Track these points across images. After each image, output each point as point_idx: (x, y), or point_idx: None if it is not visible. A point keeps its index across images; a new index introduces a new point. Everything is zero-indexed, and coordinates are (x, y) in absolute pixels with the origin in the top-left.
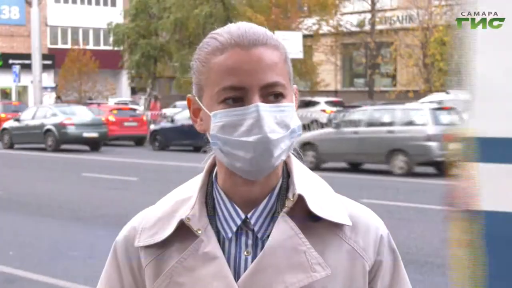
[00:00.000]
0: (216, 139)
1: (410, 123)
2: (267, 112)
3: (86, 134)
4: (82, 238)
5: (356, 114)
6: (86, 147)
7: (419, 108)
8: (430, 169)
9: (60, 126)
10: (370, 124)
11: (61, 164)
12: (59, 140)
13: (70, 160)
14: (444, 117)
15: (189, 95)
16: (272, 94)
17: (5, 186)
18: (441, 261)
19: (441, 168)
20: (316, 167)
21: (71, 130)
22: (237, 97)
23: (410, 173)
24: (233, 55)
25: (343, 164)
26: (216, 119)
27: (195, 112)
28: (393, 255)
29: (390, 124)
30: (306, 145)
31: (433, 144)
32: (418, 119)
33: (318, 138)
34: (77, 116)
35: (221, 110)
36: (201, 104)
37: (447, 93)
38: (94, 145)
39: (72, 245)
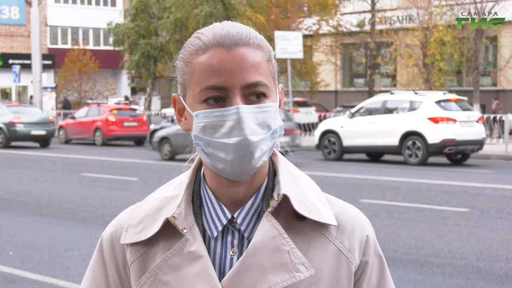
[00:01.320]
0: (199, 140)
1: None
2: (248, 113)
3: (34, 132)
4: (82, 238)
5: None
6: (36, 144)
7: None
8: None
9: (10, 125)
10: None
11: (61, 164)
12: (9, 137)
13: (70, 160)
14: None
15: (174, 94)
16: (254, 94)
17: (5, 186)
18: (441, 261)
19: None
20: (170, 158)
21: (20, 128)
22: (218, 96)
23: None
24: (215, 55)
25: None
26: (198, 120)
27: (180, 111)
28: (379, 256)
29: None
30: (163, 139)
31: None
32: None
33: (172, 134)
34: (26, 115)
35: (203, 110)
36: (184, 104)
37: (392, 93)
38: (43, 142)
39: (72, 245)
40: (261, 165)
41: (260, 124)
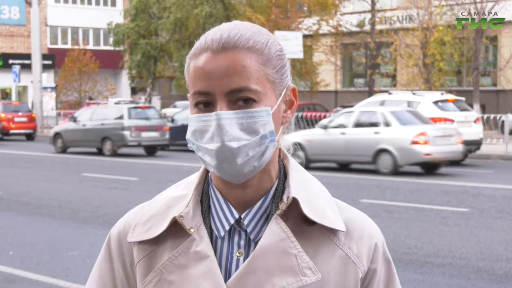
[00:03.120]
0: (191, 143)
1: (117, 118)
2: (229, 119)
3: None
4: (82, 238)
5: (97, 111)
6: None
7: (120, 107)
8: (141, 151)
9: None
10: (93, 119)
11: (61, 164)
12: None
13: (70, 160)
14: (141, 114)
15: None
16: (241, 99)
17: (5, 186)
18: (441, 261)
19: (149, 151)
20: (63, 151)
21: None
22: (206, 101)
23: (115, 154)
24: (204, 59)
25: (86, 149)
26: (191, 123)
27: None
28: (387, 263)
29: (104, 119)
30: (56, 135)
31: (126, 132)
32: (119, 115)
33: (63, 130)
34: None
35: (194, 114)
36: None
37: (390, 93)
38: None
39: (72, 245)
40: (253, 170)
41: (245, 130)
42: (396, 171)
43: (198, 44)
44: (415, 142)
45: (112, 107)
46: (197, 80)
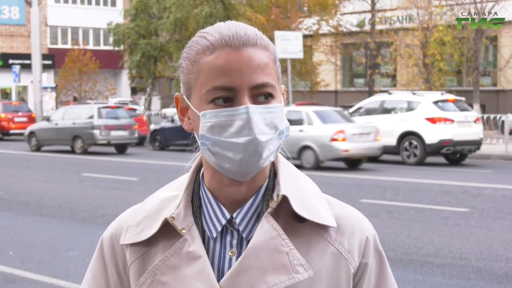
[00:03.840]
0: (205, 139)
1: (87, 117)
2: (257, 113)
3: None
4: (82, 238)
5: (69, 111)
6: None
7: (91, 107)
8: (112, 149)
9: None
10: (66, 118)
11: (61, 164)
12: None
13: (70, 160)
14: (111, 113)
15: (177, 93)
16: (262, 94)
17: (5, 186)
18: (441, 261)
19: (119, 149)
20: (37, 149)
21: None
22: (226, 97)
23: (87, 152)
24: (223, 55)
25: (60, 147)
26: (205, 119)
27: (183, 110)
28: (379, 257)
29: (75, 118)
30: (31, 134)
31: (96, 131)
32: (89, 114)
33: (37, 129)
34: None
35: (210, 110)
36: (189, 103)
37: (390, 93)
38: None
39: (72, 245)
40: (267, 165)
41: (268, 125)
42: (318, 166)
43: (207, 41)
44: (334, 139)
45: (83, 107)
46: (217, 76)
